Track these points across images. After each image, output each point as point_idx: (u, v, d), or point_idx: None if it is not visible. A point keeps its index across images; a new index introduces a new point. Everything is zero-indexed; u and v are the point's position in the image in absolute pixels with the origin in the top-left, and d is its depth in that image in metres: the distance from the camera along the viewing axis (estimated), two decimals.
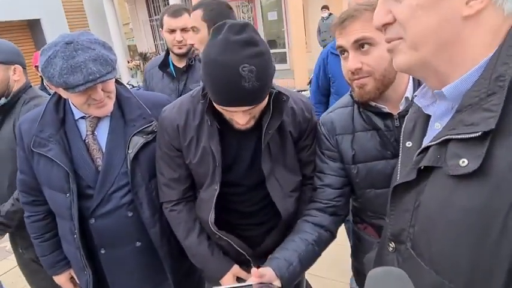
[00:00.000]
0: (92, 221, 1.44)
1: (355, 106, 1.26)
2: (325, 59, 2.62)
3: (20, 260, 2.06)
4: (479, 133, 0.58)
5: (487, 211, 0.57)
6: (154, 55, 15.24)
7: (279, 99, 1.22)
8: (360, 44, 1.09)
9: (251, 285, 1.04)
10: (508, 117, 0.57)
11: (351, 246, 1.54)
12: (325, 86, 2.67)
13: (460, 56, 0.64)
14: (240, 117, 1.14)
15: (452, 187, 0.62)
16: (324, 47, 10.25)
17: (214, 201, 1.30)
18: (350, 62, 1.11)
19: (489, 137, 0.57)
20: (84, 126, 1.44)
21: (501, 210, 0.55)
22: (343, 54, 1.15)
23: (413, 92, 1.14)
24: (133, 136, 1.41)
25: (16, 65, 1.79)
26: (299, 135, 1.35)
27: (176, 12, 2.24)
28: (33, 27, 12.00)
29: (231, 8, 1.74)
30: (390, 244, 0.81)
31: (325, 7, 10.10)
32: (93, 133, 1.44)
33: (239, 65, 1.02)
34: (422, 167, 0.69)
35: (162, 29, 2.31)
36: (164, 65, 2.39)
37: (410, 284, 0.56)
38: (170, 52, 2.37)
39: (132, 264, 1.51)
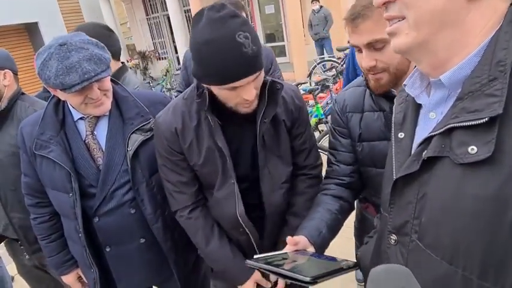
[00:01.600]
0: (96, 219, 1.46)
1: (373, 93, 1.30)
2: (354, 54, 2.67)
3: (22, 268, 2.08)
4: (486, 119, 0.57)
5: (501, 198, 0.56)
6: (153, 53, 15.25)
7: (273, 87, 1.24)
8: (373, 45, 1.12)
9: (286, 253, 1.08)
10: None
11: (355, 229, 1.56)
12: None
13: (460, 41, 0.64)
14: (249, 91, 1.13)
15: (461, 176, 0.61)
16: (317, 41, 10.18)
17: (238, 193, 1.29)
18: (364, 61, 1.15)
19: (497, 122, 0.57)
20: (83, 127, 1.46)
21: None
22: (357, 49, 1.19)
23: None
24: (131, 134, 1.43)
25: (6, 70, 1.77)
26: (292, 124, 1.37)
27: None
28: (31, 30, 11.99)
29: (110, 30, 1.82)
30: (391, 237, 0.81)
31: (315, 0, 9.94)
32: (92, 133, 1.46)
33: (234, 33, 1.04)
34: (426, 158, 0.67)
35: None
36: None
37: (413, 278, 0.56)
38: None
39: (137, 261, 1.53)
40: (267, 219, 1.38)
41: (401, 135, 0.81)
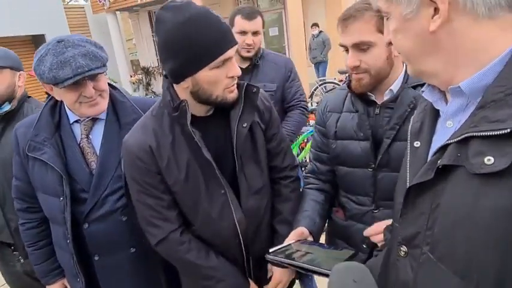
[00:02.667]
0: (86, 226, 1.41)
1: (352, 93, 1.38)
2: None
3: (11, 276, 2.01)
4: (508, 130, 0.55)
5: None
6: (156, 69, 15.39)
7: (249, 90, 1.23)
8: (359, 46, 1.20)
9: (290, 244, 1.18)
10: None
11: (325, 234, 1.61)
12: None
13: (455, 59, 0.66)
14: (234, 65, 1.14)
15: (478, 187, 0.59)
16: (315, 64, 10.41)
17: (234, 199, 1.26)
18: (349, 60, 1.23)
19: None
20: (79, 130, 1.44)
21: None
22: (345, 49, 1.25)
23: (400, 86, 1.28)
24: None
25: (21, 72, 1.87)
26: (266, 126, 1.35)
27: (251, 15, 2.19)
28: (37, 42, 12.14)
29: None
30: (401, 248, 0.78)
31: (315, 25, 10.18)
32: (87, 137, 1.44)
33: (207, 9, 1.10)
34: (440, 166, 0.66)
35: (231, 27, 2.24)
36: None
37: (368, 275, 0.58)
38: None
39: (126, 271, 1.47)
40: (248, 226, 1.32)
41: (417, 144, 0.81)
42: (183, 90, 1.17)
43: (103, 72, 1.37)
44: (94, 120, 1.45)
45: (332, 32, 10.32)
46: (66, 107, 1.44)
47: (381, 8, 0.74)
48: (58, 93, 1.36)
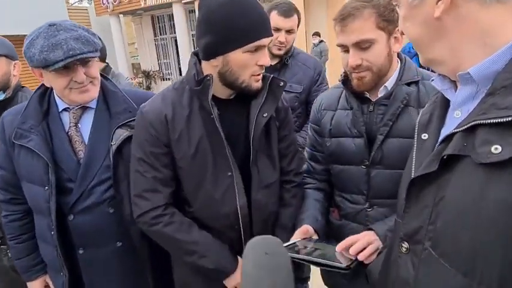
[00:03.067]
0: (71, 217, 1.36)
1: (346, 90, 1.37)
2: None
3: None
4: None
5: None
6: (157, 73, 15.45)
7: (275, 83, 1.24)
8: (360, 44, 1.18)
9: (295, 242, 1.19)
10: None
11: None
12: None
13: (463, 45, 0.65)
14: (266, 55, 1.17)
15: (484, 177, 0.57)
16: None
17: (240, 183, 1.24)
18: (351, 59, 1.20)
19: None
20: (67, 119, 1.40)
21: None
22: (344, 49, 1.23)
23: (394, 83, 1.26)
24: (117, 128, 1.37)
25: (16, 61, 1.86)
26: (280, 124, 1.36)
27: (287, 12, 2.12)
28: None
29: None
30: (403, 244, 0.75)
31: (316, 34, 10.20)
32: (76, 125, 1.40)
33: None
34: (445, 157, 0.63)
35: None
36: None
37: (282, 248, 0.61)
38: None
39: (111, 266, 1.42)
40: (253, 219, 1.31)
41: (424, 136, 0.79)
42: (211, 68, 1.19)
43: (95, 57, 1.34)
44: (84, 108, 1.41)
45: (333, 41, 10.40)
46: (55, 95, 1.41)
47: None
48: (48, 79, 1.32)
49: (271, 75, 1.25)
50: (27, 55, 1.25)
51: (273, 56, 2.17)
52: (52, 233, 1.37)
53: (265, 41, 1.13)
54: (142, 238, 1.40)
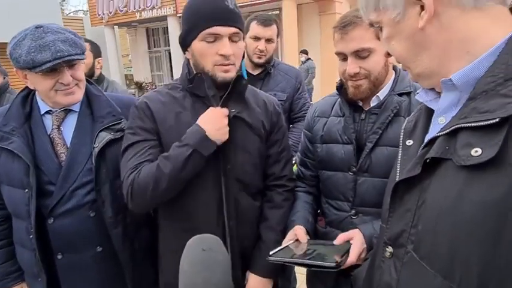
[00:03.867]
0: (51, 220, 1.34)
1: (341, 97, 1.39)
2: None
3: None
4: (497, 119, 0.54)
5: (504, 205, 0.52)
6: (150, 85, 15.46)
7: (239, 80, 1.26)
8: (359, 53, 1.20)
9: (288, 245, 1.21)
10: None
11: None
12: None
13: (448, 53, 0.66)
14: (225, 45, 1.18)
15: (464, 179, 0.58)
16: None
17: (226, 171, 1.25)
18: (349, 67, 1.22)
19: (507, 124, 0.54)
20: (50, 122, 1.40)
21: None
22: (343, 57, 1.25)
23: (387, 93, 1.28)
24: (100, 132, 1.37)
25: None
26: (271, 128, 1.37)
27: (267, 22, 2.21)
28: None
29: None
30: (387, 249, 0.75)
31: (303, 51, 10.29)
32: (58, 128, 1.39)
33: None
34: (428, 160, 0.64)
35: (246, 33, 2.26)
36: None
37: (220, 245, 0.62)
38: (246, 58, 2.32)
39: (91, 272, 1.39)
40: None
41: (409, 142, 0.80)
42: (190, 60, 1.28)
43: (82, 60, 1.34)
44: (67, 111, 1.41)
45: (326, 60, 10.55)
46: (37, 98, 1.41)
47: (372, 20, 0.76)
48: (33, 80, 1.32)
49: (240, 73, 1.27)
50: (13, 56, 1.25)
51: (255, 65, 2.28)
52: (31, 236, 1.33)
53: (219, 29, 1.17)
54: (123, 242, 1.38)
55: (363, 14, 0.78)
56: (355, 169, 1.28)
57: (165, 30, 14.77)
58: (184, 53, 1.28)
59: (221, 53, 1.18)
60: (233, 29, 1.19)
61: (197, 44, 1.20)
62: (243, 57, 2.38)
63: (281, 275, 1.69)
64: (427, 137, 0.73)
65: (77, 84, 1.36)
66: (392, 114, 1.24)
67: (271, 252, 1.15)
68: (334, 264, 1.04)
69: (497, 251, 0.53)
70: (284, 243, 1.23)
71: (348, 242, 1.17)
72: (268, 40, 2.22)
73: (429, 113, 0.77)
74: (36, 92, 1.40)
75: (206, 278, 0.56)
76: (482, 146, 0.55)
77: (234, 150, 1.27)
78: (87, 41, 2.85)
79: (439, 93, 0.74)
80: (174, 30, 13.64)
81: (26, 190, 1.31)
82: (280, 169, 1.40)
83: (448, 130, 0.62)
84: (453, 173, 0.60)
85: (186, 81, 1.26)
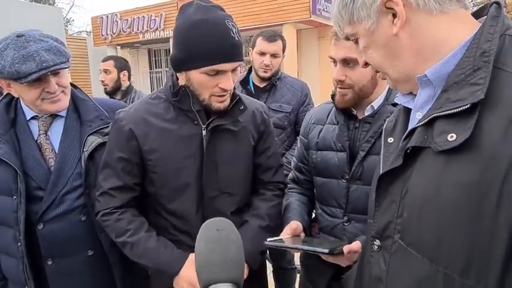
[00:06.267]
0: (40, 226, 1.32)
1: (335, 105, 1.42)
2: None
3: None
4: (468, 105, 0.59)
5: (482, 184, 0.56)
6: None
7: (237, 106, 1.27)
8: (347, 61, 1.24)
9: (281, 238, 1.22)
10: (495, 90, 0.59)
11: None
12: None
13: (421, 56, 0.70)
14: (228, 80, 1.16)
15: (443, 164, 0.61)
16: None
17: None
18: (335, 73, 1.27)
19: (477, 109, 0.58)
20: (36, 127, 1.39)
21: (495, 182, 0.54)
22: (334, 63, 1.29)
23: (381, 103, 1.32)
24: (89, 136, 1.37)
25: None
26: (259, 136, 1.38)
27: (271, 38, 2.32)
28: None
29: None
30: (375, 242, 0.78)
31: None
32: (46, 133, 1.39)
33: (224, 19, 1.12)
34: (409, 150, 0.68)
35: (252, 48, 2.40)
36: (245, 81, 2.47)
37: (232, 226, 0.66)
38: (253, 72, 2.43)
39: (82, 276, 1.38)
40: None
41: (390, 140, 0.83)
42: (181, 80, 1.23)
43: (67, 68, 1.34)
44: (53, 117, 1.40)
45: (324, 84, 10.70)
46: (22, 104, 1.40)
47: (348, 33, 0.80)
48: (18, 90, 1.31)
49: (238, 97, 1.28)
50: None
51: (261, 78, 2.37)
52: (19, 244, 1.31)
53: (225, 66, 1.13)
54: (112, 244, 1.36)
55: (338, 29, 0.82)
56: (348, 176, 1.30)
57: (167, 52, 15.01)
58: (175, 72, 1.24)
59: (222, 87, 1.16)
60: (237, 64, 1.17)
61: (197, 75, 1.15)
62: (250, 71, 2.47)
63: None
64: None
65: (62, 91, 1.36)
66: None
67: (267, 239, 1.18)
68: (328, 250, 1.07)
69: (479, 229, 0.56)
70: (279, 237, 1.24)
71: (343, 240, 1.20)
72: (274, 55, 2.32)
73: (407, 112, 0.81)
74: (25, 104, 1.39)
75: (222, 254, 0.61)
76: (456, 131, 0.60)
77: (220, 163, 1.27)
78: (111, 57, 3.20)
79: (415, 96, 0.78)
80: None
81: (14, 197, 1.30)
82: (270, 176, 1.41)
83: (425, 121, 0.66)
84: (432, 160, 0.64)
85: (171, 94, 1.24)
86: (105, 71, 3.04)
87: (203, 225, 0.66)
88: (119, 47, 15.61)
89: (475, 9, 0.75)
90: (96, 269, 1.40)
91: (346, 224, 1.31)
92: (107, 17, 15.00)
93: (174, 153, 1.23)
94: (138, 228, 1.26)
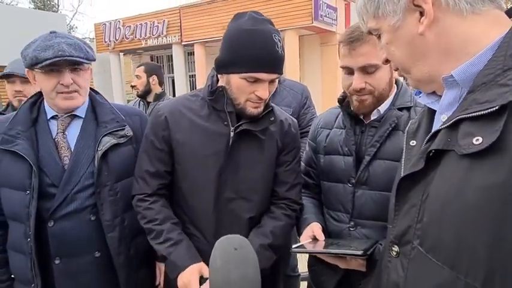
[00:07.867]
0: (51, 223, 1.34)
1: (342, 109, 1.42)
2: None
3: None
4: (496, 107, 0.56)
5: (507, 187, 0.53)
6: None
7: (269, 114, 1.31)
8: (366, 68, 1.21)
9: (302, 244, 1.21)
10: None
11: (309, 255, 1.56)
12: None
13: (447, 57, 0.68)
14: (265, 89, 1.21)
15: (466, 167, 0.58)
16: None
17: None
18: (355, 82, 1.23)
19: (506, 111, 0.55)
20: (55, 126, 1.43)
21: None
22: (348, 72, 1.25)
23: (388, 107, 1.30)
24: (104, 136, 1.41)
25: None
26: (283, 147, 1.39)
27: None
28: None
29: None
30: (393, 248, 0.75)
31: None
32: (63, 132, 1.42)
33: (272, 33, 1.19)
34: (431, 153, 0.66)
35: None
36: None
37: (248, 245, 0.65)
38: None
39: (88, 278, 1.39)
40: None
41: (413, 143, 0.81)
42: (221, 82, 1.29)
43: (84, 64, 1.39)
44: (72, 117, 1.45)
45: (327, 89, 10.71)
46: (45, 104, 1.45)
47: (372, 27, 0.78)
48: (38, 79, 1.37)
49: (271, 108, 1.32)
50: (23, 54, 1.33)
51: None
52: (28, 239, 1.33)
53: (264, 75, 1.19)
54: (119, 246, 1.38)
55: (362, 22, 0.80)
56: (354, 181, 1.29)
57: (169, 58, 15.07)
58: (217, 73, 1.31)
59: (258, 95, 1.21)
60: (275, 76, 1.22)
61: (237, 79, 1.22)
62: None
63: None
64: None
65: (77, 91, 1.40)
66: (391, 128, 1.24)
67: (293, 246, 1.17)
68: (361, 252, 1.02)
69: (503, 235, 0.53)
70: (301, 242, 1.23)
71: (370, 239, 1.16)
72: None
73: (431, 114, 0.79)
74: (45, 98, 1.44)
75: (242, 275, 0.60)
76: (482, 134, 0.57)
77: (242, 166, 1.29)
78: (143, 64, 3.44)
79: (440, 96, 0.75)
80: (179, 58, 13.94)
81: (27, 192, 1.32)
82: (284, 190, 1.39)
83: (449, 123, 0.63)
84: (455, 163, 0.61)
85: (208, 93, 1.30)
86: (137, 76, 3.32)
87: (218, 241, 0.65)
88: (122, 54, 15.70)
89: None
90: (102, 271, 1.40)
91: (352, 229, 1.30)
92: (110, 23, 15.11)
93: (200, 149, 1.28)
94: (165, 219, 1.30)
